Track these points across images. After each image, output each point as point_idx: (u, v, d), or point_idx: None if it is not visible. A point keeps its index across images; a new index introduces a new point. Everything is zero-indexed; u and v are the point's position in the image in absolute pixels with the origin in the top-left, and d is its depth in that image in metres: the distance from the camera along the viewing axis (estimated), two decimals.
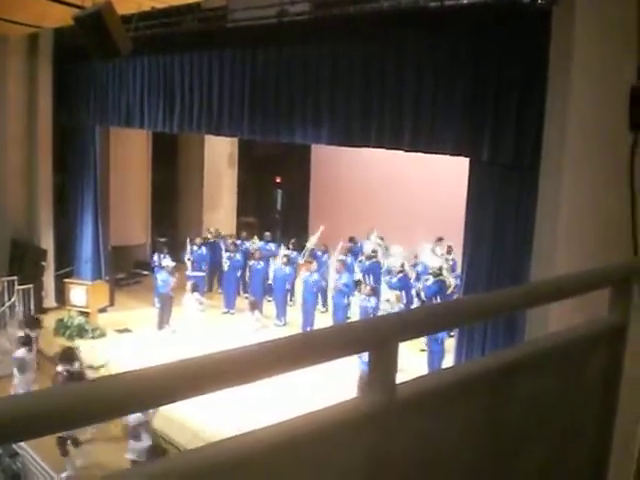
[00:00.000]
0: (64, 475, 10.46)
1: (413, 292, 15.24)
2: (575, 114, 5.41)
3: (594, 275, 2.15)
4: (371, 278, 16.70)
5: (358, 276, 16.67)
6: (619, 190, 2.78)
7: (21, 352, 11.79)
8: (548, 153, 8.21)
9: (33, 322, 13.17)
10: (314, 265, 16.37)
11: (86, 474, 10.56)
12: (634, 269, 2.27)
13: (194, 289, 15.49)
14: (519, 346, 2.09)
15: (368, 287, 15.14)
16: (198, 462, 1.16)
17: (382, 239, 18.12)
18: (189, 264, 17.57)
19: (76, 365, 11.41)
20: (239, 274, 17.62)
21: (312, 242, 18.03)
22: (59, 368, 11.18)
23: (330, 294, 16.29)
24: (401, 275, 15.62)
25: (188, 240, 17.93)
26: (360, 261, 17.17)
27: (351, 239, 18.61)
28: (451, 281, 14.91)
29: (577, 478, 2.27)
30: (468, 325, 9.19)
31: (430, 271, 15.11)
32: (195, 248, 17.82)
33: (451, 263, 16.21)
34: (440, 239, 17.06)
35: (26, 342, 11.98)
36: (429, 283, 14.66)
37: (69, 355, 11.53)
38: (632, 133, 2.74)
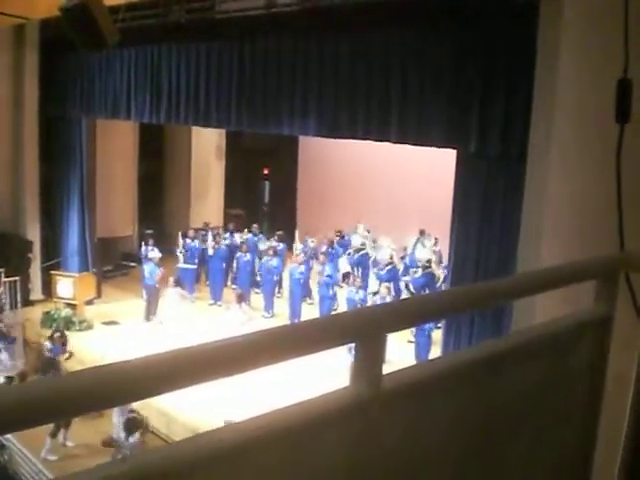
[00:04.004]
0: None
1: (402, 284, 15.26)
2: (562, 106, 5.42)
3: (581, 267, 2.16)
4: (360, 271, 16.79)
5: (347, 269, 16.72)
6: (606, 183, 2.80)
7: None
8: (535, 145, 8.22)
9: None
10: (300, 257, 16.36)
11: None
12: (620, 262, 2.29)
13: (177, 283, 15.49)
14: (506, 337, 2.10)
15: (357, 279, 15.20)
16: (161, 461, 1.13)
17: (369, 231, 18.18)
18: (181, 257, 17.50)
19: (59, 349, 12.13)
20: (224, 266, 17.54)
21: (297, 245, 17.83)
22: (46, 343, 12.25)
23: (315, 286, 16.30)
24: (390, 267, 15.67)
25: (180, 233, 17.83)
26: (349, 254, 17.23)
27: (338, 232, 18.59)
28: (439, 273, 14.91)
29: (565, 465, 2.29)
30: (455, 316, 9.22)
31: (419, 263, 15.14)
32: (188, 241, 17.70)
33: (438, 255, 16.24)
34: (422, 232, 17.06)
35: None
36: (418, 275, 14.67)
37: (58, 337, 12.36)
38: (619, 125, 2.75)
